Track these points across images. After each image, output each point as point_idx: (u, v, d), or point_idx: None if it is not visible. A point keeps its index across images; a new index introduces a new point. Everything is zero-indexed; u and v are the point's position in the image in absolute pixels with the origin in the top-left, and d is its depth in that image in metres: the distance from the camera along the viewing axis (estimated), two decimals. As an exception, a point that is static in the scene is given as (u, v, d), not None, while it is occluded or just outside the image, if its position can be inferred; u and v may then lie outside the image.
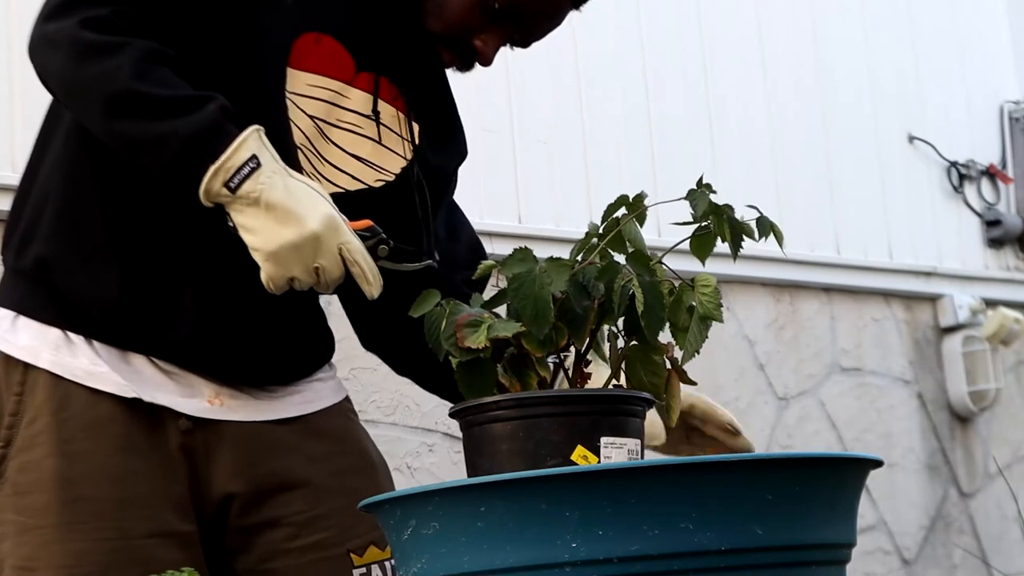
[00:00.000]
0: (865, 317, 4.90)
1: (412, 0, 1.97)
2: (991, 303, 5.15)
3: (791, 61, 4.81)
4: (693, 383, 1.69)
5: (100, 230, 1.91)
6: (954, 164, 5.22)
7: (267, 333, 1.97)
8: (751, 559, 1.41)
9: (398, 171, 2.01)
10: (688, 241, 1.66)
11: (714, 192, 1.64)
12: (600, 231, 1.65)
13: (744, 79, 4.67)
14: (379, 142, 2.00)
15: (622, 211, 1.65)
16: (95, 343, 1.91)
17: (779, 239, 1.65)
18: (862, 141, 4.98)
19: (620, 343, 1.67)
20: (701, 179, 1.65)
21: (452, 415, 1.63)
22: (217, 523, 1.98)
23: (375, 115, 1.99)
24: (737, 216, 1.63)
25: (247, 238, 1.78)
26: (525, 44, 2.02)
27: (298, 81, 1.93)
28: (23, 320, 1.93)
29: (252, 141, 1.77)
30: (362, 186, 1.98)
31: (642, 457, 1.61)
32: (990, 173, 5.33)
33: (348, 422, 2.10)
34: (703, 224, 1.64)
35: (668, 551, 1.38)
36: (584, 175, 4.13)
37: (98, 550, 1.86)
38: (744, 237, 1.63)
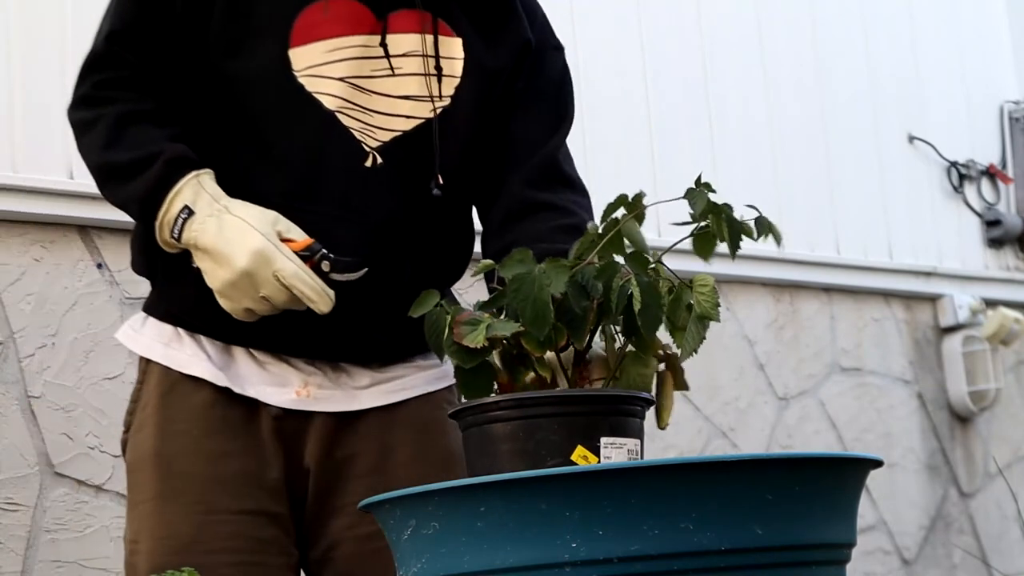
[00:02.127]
0: (865, 317, 4.90)
1: None
2: (991, 303, 5.15)
3: (791, 61, 4.81)
4: (686, 387, 1.69)
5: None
6: (954, 164, 5.22)
7: (359, 315, 2.00)
8: (751, 559, 1.41)
9: (452, 93, 2.05)
10: (690, 240, 1.66)
11: (713, 191, 1.64)
12: (599, 231, 1.65)
13: (744, 79, 4.67)
14: (425, 74, 2.03)
15: (621, 211, 1.65)
16: (201, 338, 2.05)
17: (777, 239, 1.66)
18: (862, 141, 4.98)
19: (618, 344, 1.67)
20: (699, 178, 1.65)
21: (451, 416, 1.63)
22: (302, 507, 2.07)
23: (388, 54, 2.01)
24: (737, 216, 1.63)
25: (205, 278, 1.93)
26: None
27: (310, 55, 1.99)
28: (150, 320, 2.09)
29: (187, 191, 1.93)
30: (419, 121, 2.03)
31: (642, 457, 1.61)
32: (990, 173, 5.33)
33: (440, 412, 2.11)
34: (702, 223, 1.64)
35: (668, 551, 1.38)
36: (584, 175, 4.12)
37: (189, 522, 1.98)
38: (743, 237, 1.63)
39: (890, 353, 4.95)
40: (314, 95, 1.99)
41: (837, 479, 1.49)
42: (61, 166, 3.18)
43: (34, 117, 3.18)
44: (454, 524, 1.44)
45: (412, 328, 2.06)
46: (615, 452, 1.56)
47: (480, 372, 1.62)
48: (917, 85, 5.21)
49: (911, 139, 5.14)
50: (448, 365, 2.14)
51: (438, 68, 2.04)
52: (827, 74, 4.91)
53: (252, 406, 2.03)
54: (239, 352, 2.05)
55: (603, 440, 1.55)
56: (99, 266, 3.23)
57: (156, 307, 2.09)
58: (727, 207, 1.63)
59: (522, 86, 2.11)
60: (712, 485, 1.40)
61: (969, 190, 5.28)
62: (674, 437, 4.21)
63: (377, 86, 2.01)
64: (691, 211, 1.64)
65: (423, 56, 2.03)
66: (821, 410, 4.69)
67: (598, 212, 1.68)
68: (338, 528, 2.05)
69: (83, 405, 3.14)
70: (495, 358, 1.64)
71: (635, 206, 1.64)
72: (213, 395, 2.02)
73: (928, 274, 5.06)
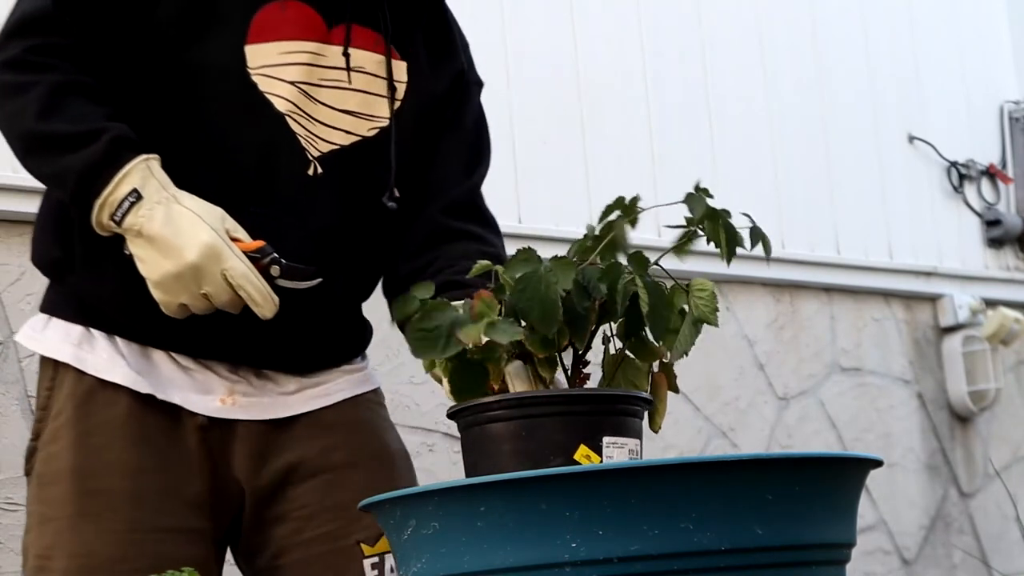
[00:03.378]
0: (865, 317, 4.90)
1: None
2: (991, 303, 5.15)
3: (791, 61, 4.81)
4: (677, 391, 1.69)
5: (91, 228, 1.91)
6: (954, 164, 5.22)
7: (288, 322, 1.94)
8: (751, 559, 1.41)
9: (390, 115, 2.02)
10: (675, 237, 1.66)
11: (711, 196, 1.64)
12: (596, 233, 1.64)
13: (744, 79, 4.67)
14: (367, 92, 2.01)
15: (617, 214, 1.65)
16: (116, 339, 1.96)
17: (767, 251, 1.65)
18: (862, 141, 4.98)
19: (613, 346, 1.67)
20: (699, 183, 1.65)
21: (451, 415, 1.63)
22: (236, 520, 2.01)
23: (348, 66, 2.00)
24: (735, 219, 1.63)
25: (138, 265, 1.84)
26: None
27: (266, 54, 1.95)
28: (54, 321, 1.99)
29: (136, 174, 1.83)
30: (356, 138, 2.00)
31: (642, 457, 1.61)
32: (990, 173, 5.33)
33: (369, 413, 2.10)
34: (699, 228, 1.64)
35: (668, 551, 1.38)
36: (584, 175, 4.13)
37: (109, 541, 1.90)
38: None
39: (890, 353, 4.95)
40: (266, 95, 1.95)
41: (837, 479, 1.49)
42: (61, 166, 3.19)
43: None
44: (454, 524, 1.44)
45: (339, 336, 2.06)
46: (617, 452, 1.56)
47: (472, 373, 1.61)
48: (917, 85, 5.21)
49: (911, 139, 5.14)
50: (372, 368, 2.14)
51: (391, 89, 2.01)
52: (827, 74, 4.91)
53: (174, 415, 1.96)
54: (159, 356, 1.96)
55: (605, 440, 1.55)
56: (99, 266, 3.23)
57: (63, 306, 1.98)
58: (725, 212, 1.63)
59: (450, 115, 2.11)
60: (712, 485, 1.40)
61: (969, 190, 5.28)
62: (674, 437, 4.21)
63: (323, 96, 1.98)
64: (690, 216, 1.64)
65: (370, 74, 2.01)
66: (821, 410, 4.69)
67: (598, 212, 1.68)
68: (283, 535, 2.00)
69: (83, 405, 3.14)
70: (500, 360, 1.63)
71: (631, 210, 1.64)
72: (132, 404, 1.93)
73: (928, 274, 5.06)
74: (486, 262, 1.67)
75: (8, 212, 3.12)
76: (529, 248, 1.60)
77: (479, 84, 2.17)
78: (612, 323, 1.64)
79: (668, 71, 4.47)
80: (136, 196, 1.82)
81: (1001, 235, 5.30)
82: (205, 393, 1.97)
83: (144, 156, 1.84)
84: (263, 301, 1.83)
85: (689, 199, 1.64)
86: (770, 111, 4.71)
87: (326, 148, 1.98)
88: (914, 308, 5.06)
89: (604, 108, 4.25)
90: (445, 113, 2.10)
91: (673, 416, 4.23)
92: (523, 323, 1.56)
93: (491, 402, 1.58)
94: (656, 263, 1.62)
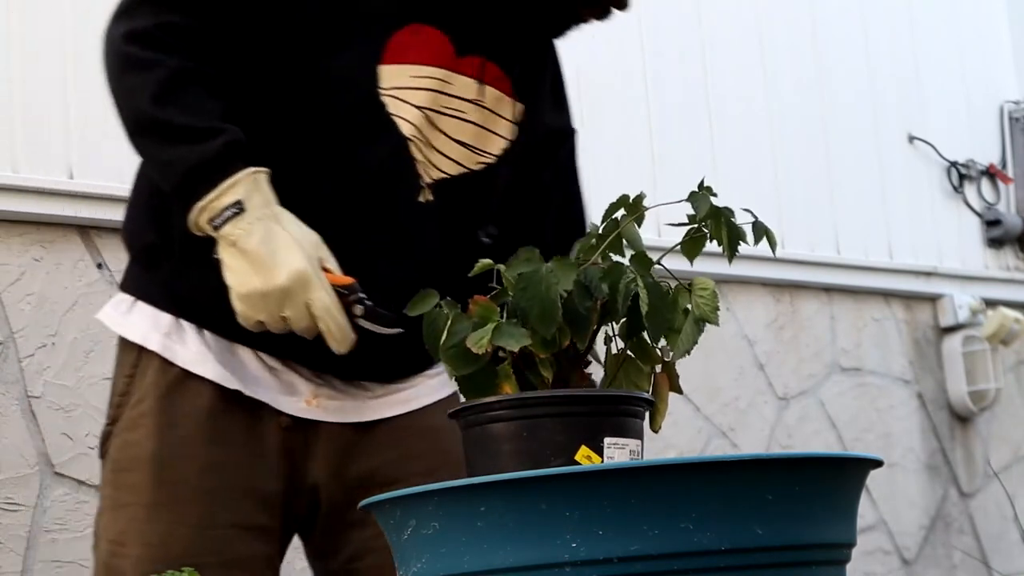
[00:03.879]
0: (865, 317, 4.90)
1: None
2: (991, 303, 5.15)
3: (791, 61, 4.81)
4: (680, 391, 1.69)
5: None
6: (954, 164, 5.22)
7: (382, 341, 1.92)
8: (751, 559, 1.41)
9: (499, 152, 2.04)
10: (684, 238, 1.66)
11: (715, 195, 1.64)
12: (600, 232, 1.64)
13: (744, 79, 4.67)
14: (482, 126, 2.02)
15: (621, 212, 1.65)
16: (205, 332, 1.96)
17: (772, 245, 1.66)
18: (862, 141, 4.98)
19: (616, 346, 1.66)
20: (703, 182, 1.65)
21: (451, 415, 1.63)
22: (309, 521, 2.03)
23: (477, 98, 2.01)
24: (736, 218, 1.63)
25: (225, 273, 1.83)
26: None
27: (397, 76, 1.95)
28: (140, 305, 1.99)
29: (243, 186, 1.81)
30: (464, 170, 2.01)
31: (642, 457, 1.60)
32: (990, 173, 5.33)
33: (447, 419, 2.11)
34: (701, 226, 1.64)
35: (668, 551, 1.38)
36: (584, 175, 4.13)
37: (182, 534, 1.92)
38: (740, 241, 1.63)
39: (890, 353, 4.95)
40: (393, 116, 1.95)
41: (837, 479, 1.49)
42: (61, 166, 3.19)
43: (34, 117, 3.18)
44: (454, 524, 1.44)
45: (422, 346, 2.07)
46: (618, 452, 1.55)
47: (482, 373, 1.61)
48: (917, 85, 5.21)
49: (911, 139, 5.14)
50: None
51: (508, 127, 2.04)
52: (827, 74, 4.91)
53: (256, 413, 1.96)
54: (245, 353, 1.97)
55: (606, 440, 1.55)
56: (99, 266, 3.23)
57: (152, 291, 1.98)
58: (728, 211, 1.63)
59: (563, 155, 2.18)
60: (712, 485, 1.40)
61: (969, 190, 5.28)
62: (674, 437, 4.21)
63: (443, 124, 1.99)
64: (692, 213, 1.64)
65: (487, 109, 2.02)
66: (821, 410, 4.69)
67: (599, 212, 1.68)
68: (362, 539, 2.00)
69: (83, 405, 3.14)
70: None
71: (635, 208, 1.64)
72: (216, 399, 1.94)
73: (928, 274, 5.06)
74: (487, 261, 1.67)
75: (8, 212, 3.12)
76: (531, 248, 1.60)
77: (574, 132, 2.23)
78: (614, 323, 1.64)
79: (668, 71, 4.47)
80: (239, 207, 1.81)
81: (1001, 235, 5.30)
82: (290, 394, 1.98)
83: (254, 169, 1.83)
84: (340, 337, 1.83)
85: (693, 197, 1.64)
86: (770, 111, 4.71)
87: (437, 176, 1.99)
88: (914, 308, 5.06)
89: (604, 108, 4.25)
90: (551, 159, 2.14)
91: (673, 416, 4.23)
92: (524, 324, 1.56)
93: (492, 402, 1.58)
94: (658, 262, 1.62)
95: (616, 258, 1.62)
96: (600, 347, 1.67)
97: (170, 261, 1.95)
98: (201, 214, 1.82)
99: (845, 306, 4.84)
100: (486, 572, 1.42)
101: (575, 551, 1.38)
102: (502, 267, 1.62)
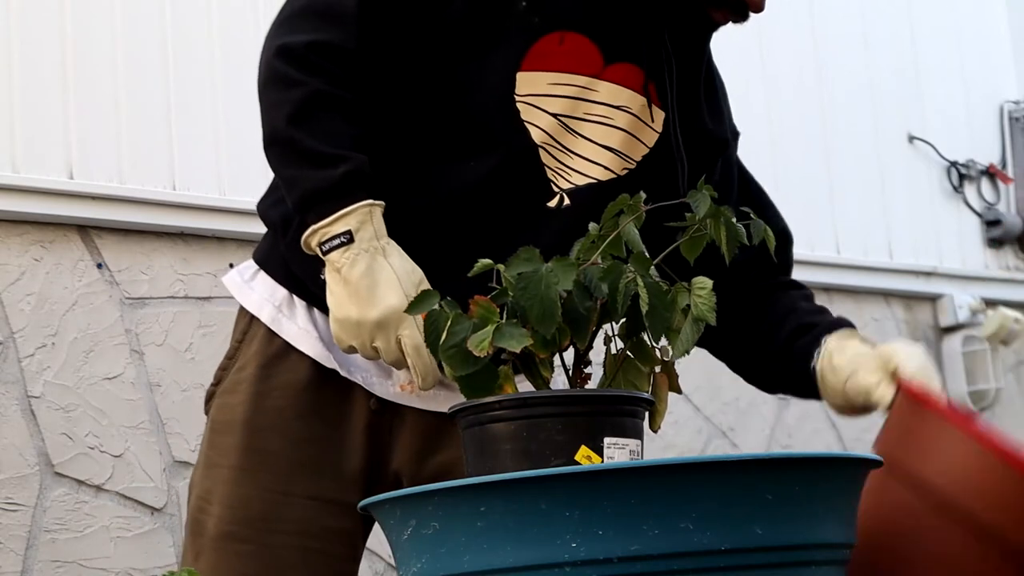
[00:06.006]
0: (865, 317, 4.90)
1: None
2: (991, 303, 5.15)
3: (791, 61, 4.81)
4: (680, 391, 1.69)
5: None
6: (954, 164, 5.22)
7: None
8: (751, 559, 1.41)
9: (639, 158, 2.05)
10: (681, 242, 1.66)
11: (714, 195, 1.64)
12: (600, 232, 1.64)
13: (743, 78, 4.67)
14: (630, 133, 2.03)
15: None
16: (315, 310, 2.02)
17: (770, 244, 1.66)
18: (862, 141, 4.98)
19: (615, 346, 1.67)
20: (702, 181, 1.65)
21: (451, 415, 1.63)
22: None
23: (626, 106, 2.02)
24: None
25: (327, 296, 1.89)
26: None
27: (534, 83, 1.97)
28: (261, 275, 2.07)
29: (355, 217, 1.86)
30: (612, 175, 2.03)
31: (642, 457, 1.61)
32: (990, 173, 5.33)
33: None
34: (700, 226, 1.64)
35: (668, 551, 1.38)
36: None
37: (263, 499, 1.99)
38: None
39: (890, 353, 4.94)
40: (526, 123, 1.97)
41: (837, 479, 1.49)
42: (61, 166, 3.19)
43: (34, 117, 3.18)
44: (454, 524, 1.44)
45: None
46: (618, 452, 1.56)
47: (483, 373, 1.61)
48: (917, 85, 5.21)
49: (911, 139, 5.14)
50: None
51: (677, 136, 2.06)
52: (827, 74, 4.91)
53: (348, 393, 2.02)
54: None
55: (606, 440, 1.55)
56: (99, 266, 3.23)
57: (275, 263, 2.04)
58: (727, 211, 1.63)
59: (728, 164, 2.24)
60: (712, 485, 1.40)
61: (969, 190, 5.28)
62: (674, 437, 4.21)
63: (586, 130, 2.01)
64: (694, 214, 1.64)
65: (633, 115, 2.03)
66: (821, 410, 4.69)
67: (598, 212, 1.68)
68: None
69: (83, 405, 3.14)
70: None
71: (635, 208, 1.64)
72: (312, 375, 2.01)
73: (928, 274, 5.06)
74: (487, 260, 1.67)
75: (8, 212, 3.12)
76: (531, 247, 1.61)
77: (737, 135, 2.26)
78: (614, 323, 1.64)
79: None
80: (348, 237, 1.86)
81: (1001, 235, 5.30)
82: (386, 377, 2.02)
83: (370, 201, 1.87)
84: (425, 375, 1.87)
85: (693, 196, 1.64)
86: (769, 110, 4.71)
87: (582, 181, 2.00)
88: (914, 308, 5.06)
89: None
90: (712, 167, 2.17)
91: (673, 416, 4.23)
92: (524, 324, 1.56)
93: (492, 402, 1.58)
94: (658, 262, 1.62)
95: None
96: (600, 347, 1.67)
97: (285, 241, 2.01)
98: (312, 236, 1.88)
99: (845, 306, 4.84)
100: (486, 572, 1.42)
101: (575, 551, 1.38)
102: (501, 267, 1.62)
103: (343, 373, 2.01)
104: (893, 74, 5.14)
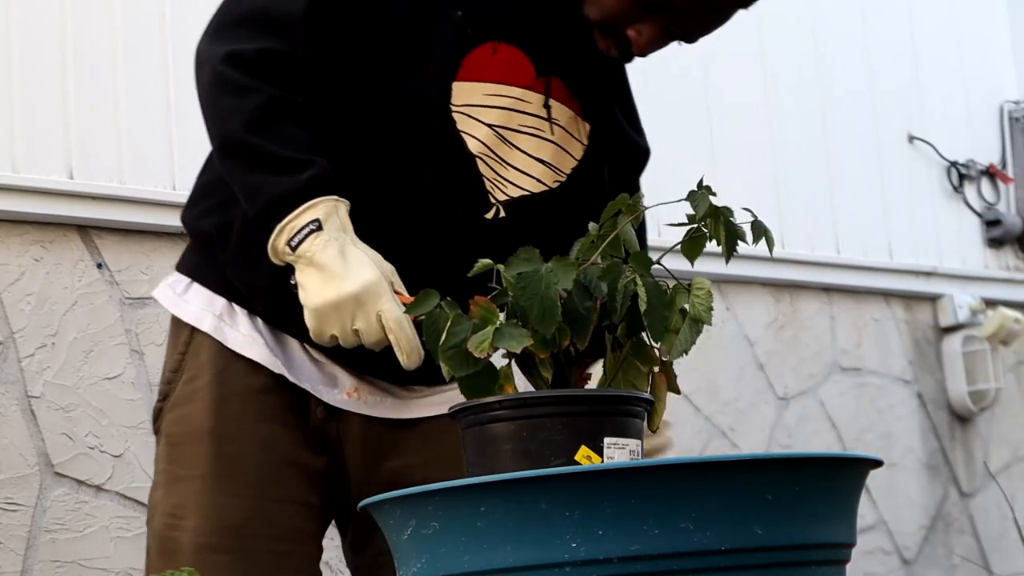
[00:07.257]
0: (865, 317, 4.90)
1: None
2: (991, 303, 5.15)
3: (791, 60, 4.81)
4: (678, 391, 1.69)
5: (251, 229, 1.94)
6: (954, 164, 5.22)
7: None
8: (751, 559, 1.41)
9: (569, 171, 2.06)
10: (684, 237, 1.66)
11: (714, 194, 1.64)
12: (599, 232, 1.64)
13: (744, 78, 4.67)
14: (559, 145, 2.05)
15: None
16: (257, 319, 2.02)
17: (770, 244, 1.66)
18: (862, 141, 4.98)
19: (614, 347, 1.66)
20: (702, 181, 1.65)
21: (451, 415, 1.63)
22: (344, 510, 2.08)
23: (548, 117, 2.04)
24: (736, 217, 1.63)
25: (300, 294, 1.87)
26: (686, 39, 2.04)
27: (470, 93, 1.98)
28: (195, 286, 2.05)
29: (322, 208, 1.86)
30: (544, 188, 2.04)
31: (642, 457, 1.61)
32: (990, 173, 5.33)
33: None
34: (700, 226, 1.64)
35: (668, 551, 1.38)
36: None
37: (239, 506, 1.98)
38: (739, 240, 1.63)
39: (890, 353, 4.95)
40: (462, 133, 1.98)
41: (837, 479, 1.49)
42: (61, 166, 3.19)
43: (34, 117, 3.18)
44: (454, 524, 1.44)
45: None
46: (618, 452, 1.56)
47: (483, 373, 1.61)
48: (917, 85, 5.21)
49: (911, 139, 5.14)
50: None
51: (580, 146, 2.06)
52: (827, 74, 4.91)
53: (302, 397, 2.03)
54: (292, 342, 2.03)
55: (606, 440, 1.55)
56: (99, 266, 3.23)
57: (208, 274, 2.03)
58: (727, 210, 1.63)
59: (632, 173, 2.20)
60: (712, 485, 1.40)
61: (969, 190, 5.28)
62: (674, 437, 4.21)
63: (520, 142, 2.02)
64: (693, 213, 1.64)
65: (563, 128, 2.05)
66: (821, 410, 4.69)
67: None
68: None
69: (83, 405, 3.14)
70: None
71: (633, 208, 1.64)
72: (268, 380, 2.00)
73: (928, 274, 5.06)
74: (487, 261, 1.67)
75: (8, 212, 3.12)
76: (531, 247, 1.61)
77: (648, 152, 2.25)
78: (615, 324, 1.64)
79: (667, 70, 4.46)
80: (317, 225, 1.85)
81: (1001, 235, 5.30)
82: (331, 385, 2.03)
83: (335, 197, 1.87)
84: (409, 351, 1.84)
85: (692, 196, 1.64)
86: (770, 111, 4.71)
87: (515, 193, 2.02)
88: (914, 308, 5.06)
89: (604, 108, 4.25)
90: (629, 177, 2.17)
91: (673, 416, 4.23)
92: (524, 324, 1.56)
93: (492, 402, 1.58)
94: (658, 262, 1.62)
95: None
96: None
97: (224, 254, 2.00)
98: (280, 236, 1.86)
99: (845, 306, 4.84)
100: (486, 572, 1.42)
101: (575, 551, 1.38)
102: (501, 267, 1.62)
103: (291, 379, 2.01)
104: (893, 74, 5.14)
